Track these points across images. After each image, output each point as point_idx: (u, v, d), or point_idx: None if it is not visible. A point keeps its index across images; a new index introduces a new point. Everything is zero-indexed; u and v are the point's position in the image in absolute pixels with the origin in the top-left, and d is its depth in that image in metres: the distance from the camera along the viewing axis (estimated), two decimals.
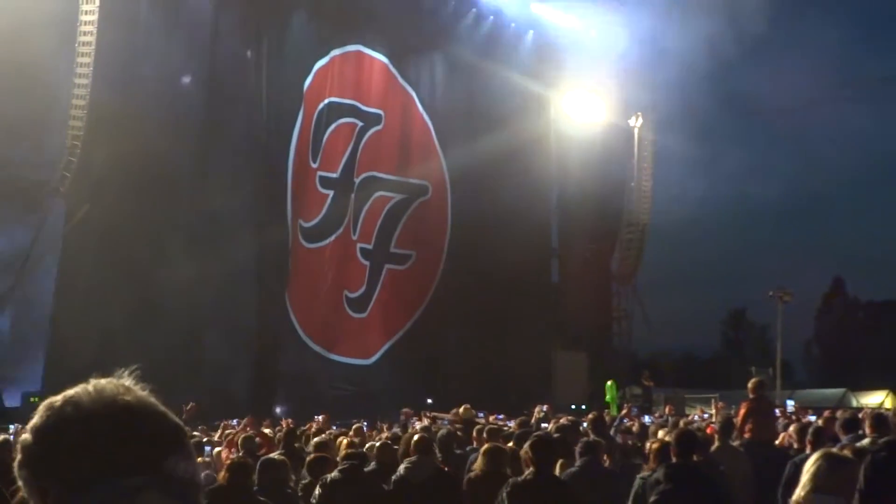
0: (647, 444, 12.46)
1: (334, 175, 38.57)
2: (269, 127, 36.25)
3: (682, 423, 16.57)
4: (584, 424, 16.20)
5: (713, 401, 32.56)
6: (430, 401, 33.08)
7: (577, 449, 11.56)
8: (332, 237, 38.40)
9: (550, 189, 46.02)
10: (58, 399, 2.06)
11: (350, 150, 39.19)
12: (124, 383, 2.09)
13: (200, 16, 33.71)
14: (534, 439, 9.73)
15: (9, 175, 29.89)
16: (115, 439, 2.00)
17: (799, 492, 6.08)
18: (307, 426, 20.16)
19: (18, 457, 2.05)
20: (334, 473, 10.96)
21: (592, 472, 11.26)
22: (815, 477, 6.02)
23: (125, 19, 31.56)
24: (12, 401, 28.10)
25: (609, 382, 34.80)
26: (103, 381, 2.09)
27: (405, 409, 27.49)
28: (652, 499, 9.51)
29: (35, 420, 2.06)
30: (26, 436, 2.05)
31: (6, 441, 13.51)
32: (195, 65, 33.41)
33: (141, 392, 2.09)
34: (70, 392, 2.07)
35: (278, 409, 32.18)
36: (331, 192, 38.36)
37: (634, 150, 45.33)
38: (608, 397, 33.89)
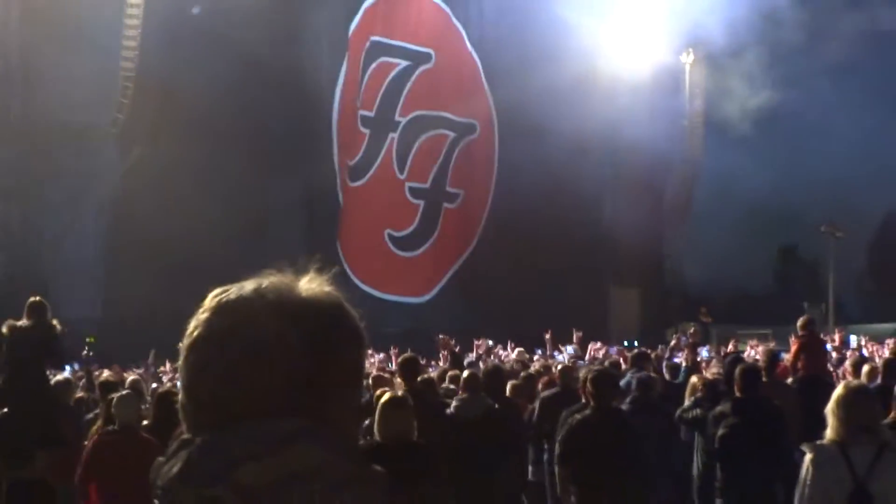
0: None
1: (370, 114, 38.66)
2: (315, 66, 36.13)
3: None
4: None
5: (768, 336, 32.37)
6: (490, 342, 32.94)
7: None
8: (367, 176, 38.65)
9: (602, 125, 45.50)
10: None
11: (386, 89, 39.23)
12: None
13: None
14: (594, 373, 9.59)
15: (63, 119, 30.01)
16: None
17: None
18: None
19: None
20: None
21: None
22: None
23: None
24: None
25: None
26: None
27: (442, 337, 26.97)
28: (720, 431, 9.51)
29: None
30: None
31: (67, 382, 13.34)
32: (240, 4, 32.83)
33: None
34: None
35: None
36: (368, 131, 38.55)
37: (686, 87, 44.97)
38: None
